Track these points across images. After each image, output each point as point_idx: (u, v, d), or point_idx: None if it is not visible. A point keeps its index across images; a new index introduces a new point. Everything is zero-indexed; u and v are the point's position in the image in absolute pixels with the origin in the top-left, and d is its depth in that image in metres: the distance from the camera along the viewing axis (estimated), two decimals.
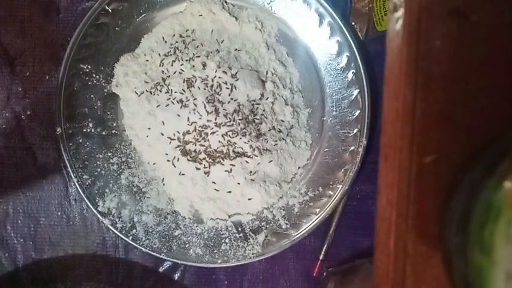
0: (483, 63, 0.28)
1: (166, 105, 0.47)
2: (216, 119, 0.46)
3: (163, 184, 0.49)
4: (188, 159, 0.47)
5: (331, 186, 0.48)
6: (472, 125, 0.28)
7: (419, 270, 0.28)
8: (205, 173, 0.47)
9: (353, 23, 0.48)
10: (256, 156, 0.47)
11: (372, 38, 0.48)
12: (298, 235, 0.47)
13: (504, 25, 0.28)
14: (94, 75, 0.50)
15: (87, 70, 0.49)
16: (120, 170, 0.50)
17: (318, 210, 0.47)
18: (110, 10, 0.48)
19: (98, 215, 0.47)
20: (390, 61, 0.29)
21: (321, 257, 0.49)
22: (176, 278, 0.51)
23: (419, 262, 0.28)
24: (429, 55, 0.28)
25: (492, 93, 0.28)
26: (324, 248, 0.49)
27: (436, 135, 0.28)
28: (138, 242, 0.48)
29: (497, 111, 0.28)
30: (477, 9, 0.28)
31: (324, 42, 0.48)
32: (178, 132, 0.47)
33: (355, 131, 0.47)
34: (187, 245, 0.48)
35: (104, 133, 0.50)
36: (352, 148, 0.47)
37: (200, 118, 0.47)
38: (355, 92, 0.47)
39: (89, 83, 0.50)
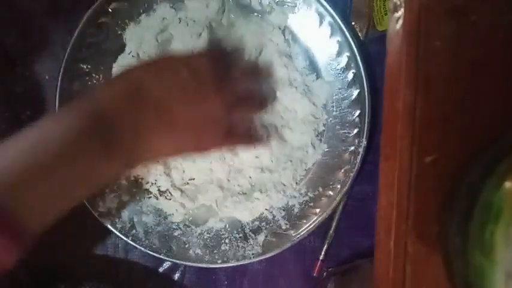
0: (483, 63, 0.28)
1: None
2: None
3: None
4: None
5: (331, 187, 0.47)
6: (472, 125, 0.28)
7: (420, 270, 0.28)
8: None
9: (353, 23, 0.48)
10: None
11: (371, 38, 0.48)
12: (298, 235, 0.47)
13: (504, 25, 0.28)
14: (94, 75, 0.49)
15: (87, 70, 0.49)
16: None
17: (318, 210, 0.47)
18: (110, 10, 0.48)
19: (98, 217, 0.47)
20: (390, 61, 0.29)
21: (321, 257, 0.49)
22: (176, 278, 0.51)
23: (419, 262, 0.28)
24: (429, 55, 0.28)
25: (492, 93, 0.28)
26: (324, 248, 0.49)
27: (436, 135, 0.28)
28: (138, 242, 0.48)
29: (497, 112, 0.28)
30: (477, 9, 0.28)
31: (324, 42, 0.48)
32: None
33: (355, 131, 0.47)
34: (187, 245, 0.48)
35: None
36: (352, 148, 0.47)
37: None
38: (355, 92, 0.47)
39: (89, 83, 0.49)
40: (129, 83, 0.37)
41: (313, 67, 0.49)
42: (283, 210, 0.48)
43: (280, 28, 0.49)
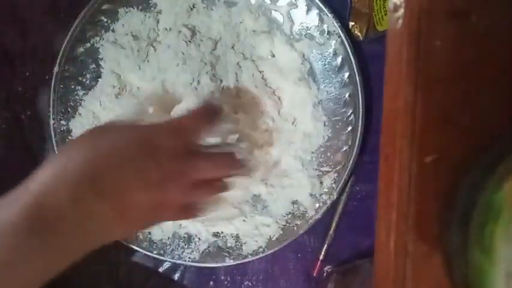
0: (483, 63, 0.28)
1: None
2: None
3: None
4: None
5: (327, 185, 0.47)
6: (472, 125, 0.28)
7: (420, 270, 0.28)
8: None
9: (353, 23, 0.48)
10: None
11: (371, 38, 0.48)
12: (297, 232, 0.47)
13: (504, 25, 0.28)
14: (89, 74, 0.50)
15: (82, 70, 0.49)
16: None
17: (315, 208, 0.47)
18: (103, 9, 0.48)
19: None
20: (390, 61, 0.29)
21: (321, 257, 0.49)
22: (176, 278, 0.51)
23: (419, 262, 0.28)
24: (429, 55, 0.28)
25: (492, 93, 0.28)
26: (324, 248, 0.49)
27: (436, 135, 0.28)
28: (137, 244, 0.48)
29: (497, 111, 0.28)
30: (477, 9, 0.28)
31: (320, 44, 0.48)
32: None
33: (349, 128, 0.47)
34: (186, 247, 0.49)
35: None
36: (346, 148, 0.47)
37: None
38: (348, 93, 0.47)
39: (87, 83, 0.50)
40: (80, 165, 0.32)
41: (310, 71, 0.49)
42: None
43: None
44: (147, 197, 0.34)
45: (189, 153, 0.36)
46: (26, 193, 0.30)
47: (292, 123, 0.48)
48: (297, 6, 0.47)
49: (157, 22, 0.49)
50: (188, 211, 0.40)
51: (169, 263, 0.50)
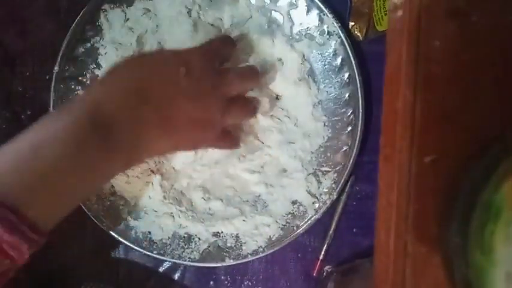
0: (483, 64, 0.28)
1: None
2: None
3: None
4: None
5: (327, 185, 0.47)
6: (472, 125, 0.28)
7: (419, 270, 0.28)
8: None
9: (353, 23, 0.48)
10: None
11: (371, 38, 0.48)
12: (297, 232, 0.47)
13: (504, 25, 0.28)
14: (89, 75, 0.50)
15: (82, 70, 0.49)
16: None
17: (315, 208, 0.47)
18: (105, 8, 0.48)
19: (94, 219, 0.48)
20: (390, 61, 0.29)
21: (321, 257, 0.49)
22: (176, 277, 0.51)
23: (419, 262, 0.28)
24: (429, 55, 0.28)
25: (492, 93, 0.28)
26: (324, 248, 0.49)
27: (436, 135, 0.28)
28: (136, 244, 0.48)
29: (497, 111, 0.28)
30: (477, 9, 0.28)
31: (319, 44, 0.48)
32: None
33: (349, 129, 0.47)
34: (186, 246, 0.49)
35: None
36: (345, 148, 0.47)
37: None
38: (348, 93, 0.47)
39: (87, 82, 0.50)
40: (128, 80, 0.37)
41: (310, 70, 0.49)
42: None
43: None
44: (188, 106, 0.38)
45: (220, 70, 0.41)
46: (83, 103, 0.35)
47: (292, 123, 0.48)
48: (297, 7, 0.47)
49: (158, 23, 0.49)
50: (227, 139, 0.44)
51: (169, 263, 0.50)
